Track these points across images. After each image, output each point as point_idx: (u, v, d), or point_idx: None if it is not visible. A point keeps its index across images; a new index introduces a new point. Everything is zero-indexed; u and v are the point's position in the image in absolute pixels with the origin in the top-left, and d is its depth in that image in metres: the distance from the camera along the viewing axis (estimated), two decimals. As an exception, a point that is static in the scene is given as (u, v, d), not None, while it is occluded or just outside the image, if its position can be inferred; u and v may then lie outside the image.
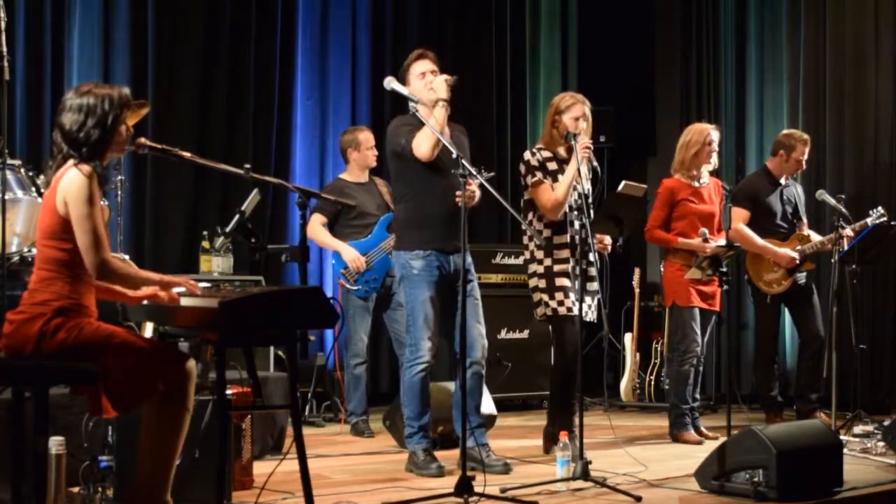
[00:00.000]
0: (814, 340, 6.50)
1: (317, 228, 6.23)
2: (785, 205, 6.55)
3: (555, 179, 5.28)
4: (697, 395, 6.04)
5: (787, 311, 6.82)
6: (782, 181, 6.59)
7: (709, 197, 6.02)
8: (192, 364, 3.59)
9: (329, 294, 6.17)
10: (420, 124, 4.77)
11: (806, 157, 6.58)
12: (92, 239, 3.44)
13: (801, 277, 6.49)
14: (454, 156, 4.41)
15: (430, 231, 4.87)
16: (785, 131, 6.82)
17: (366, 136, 6.45)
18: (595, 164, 5.18)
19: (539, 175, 5.29)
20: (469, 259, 4.89)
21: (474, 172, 4.45)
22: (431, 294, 4.86)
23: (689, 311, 5.91)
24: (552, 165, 5.33)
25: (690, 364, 5.91)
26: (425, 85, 4.86)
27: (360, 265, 6.15)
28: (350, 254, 6.17)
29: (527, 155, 5.39)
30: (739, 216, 6.44)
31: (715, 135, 6.00)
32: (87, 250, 3.45)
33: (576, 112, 5.32)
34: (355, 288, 6.21)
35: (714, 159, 6.01)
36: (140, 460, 3.58)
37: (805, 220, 6.61)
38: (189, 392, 3.56)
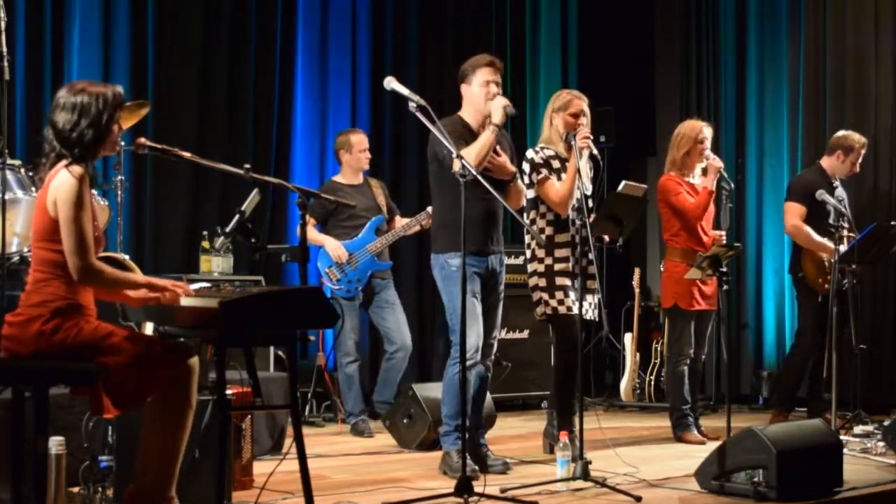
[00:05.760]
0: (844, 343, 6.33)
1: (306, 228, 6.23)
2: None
3: (558, 177, 5.28)
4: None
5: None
6: (834, 182, 6.50)
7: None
8: (195, 360, 3.58)
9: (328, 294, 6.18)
10: (466, 130, 4.84)
11: (860, 160, 6.49)
12: (77, 242, 3.42)
13: (845, 284, 6.22)
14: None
15: (466, 233, 4.83)
16: (842, 132, 6.61)
17: (358, 139, 6.44)
18: (595, 152, 5.17)
19: (545, 172, 5.28)
20: (505, 260, 5.08)
21: (475, 174, 4.42)
22: (473, 288, 4.80)
23: (689, 313, 5.90)
24: (555, 163, 5.32)
25: (684, 364, 5.91)
26: (487, 93, 4.88)
27: (341, 254, 6.17)
28: (332, 243, 6.21)
29: (530, 153, 5.38)
30: (797, 212, 6.34)
31: (707, 132, 5.95)
32: (70, 253, 3.43)
33: (573, 108, 5.31)
34: (337, 287, 6.22)
35: (708, 156, 5.93)
36: (142, 457, 3.58)
37: (852, 223, 6.31)
38: (192, 388, 3.56)
